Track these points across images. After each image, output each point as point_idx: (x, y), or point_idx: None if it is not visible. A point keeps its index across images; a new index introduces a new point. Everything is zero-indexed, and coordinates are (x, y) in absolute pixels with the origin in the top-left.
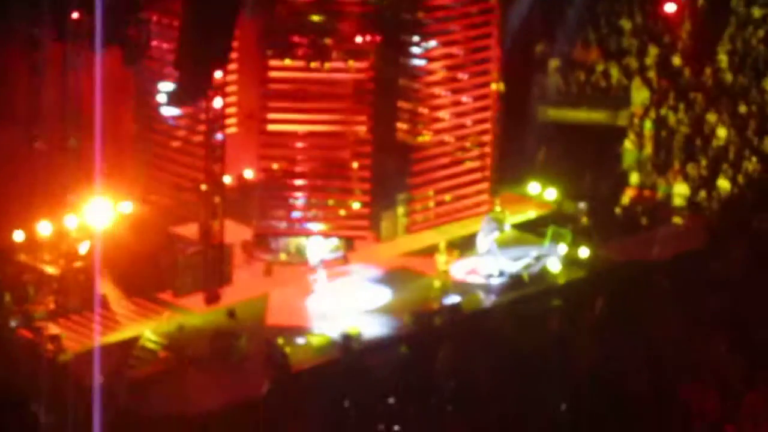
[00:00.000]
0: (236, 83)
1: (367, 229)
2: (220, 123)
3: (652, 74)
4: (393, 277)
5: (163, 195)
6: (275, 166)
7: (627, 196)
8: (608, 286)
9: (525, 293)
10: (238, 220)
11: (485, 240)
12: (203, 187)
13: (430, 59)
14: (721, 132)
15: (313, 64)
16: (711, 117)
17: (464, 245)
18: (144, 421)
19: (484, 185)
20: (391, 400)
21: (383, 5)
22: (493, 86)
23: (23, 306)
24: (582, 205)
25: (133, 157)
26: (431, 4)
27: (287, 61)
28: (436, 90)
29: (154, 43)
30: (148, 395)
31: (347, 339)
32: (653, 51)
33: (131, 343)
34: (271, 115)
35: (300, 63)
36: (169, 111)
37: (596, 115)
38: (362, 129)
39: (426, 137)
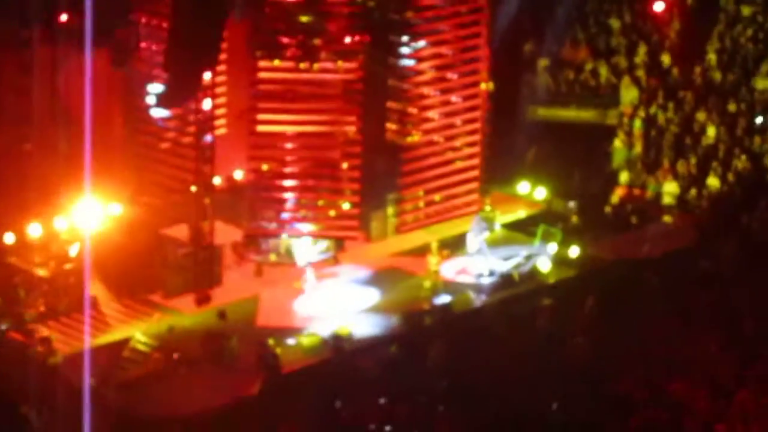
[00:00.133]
0: (225, 84)
1: (357, 230)
2: (210, 124)
3: (641, 73)
4: (383, 277)
5: (152, 196)
6: (265, 166)
7: (617, 195)
8: (598, 284)
9: (515, 293)
10: (228, 221)
11: (475, 239)
12: (193, 188)
13: (420, 59)
14: (711, 130)
15: (302, 65)
16: (700, 115)
17: (454, 245)
18: (135, 423)
19: (474, 185)
20: (382, 400)
21: (372, 5)
22: (483, 86)
23: (13, 308)
24: (572, 204)
25: (122, 159)
26: (420, 4)
27: (276, 62)
28: (426, 90)
29: (144, 44)
30: (139, 397)
31: (338, 339)
32: (642, 50)
33: (122, 345)
34: (261, 116)
35: (289, 64)
36: (158, 112)
37: (585, 114)
38: (352, 129)
39: (415, 137)
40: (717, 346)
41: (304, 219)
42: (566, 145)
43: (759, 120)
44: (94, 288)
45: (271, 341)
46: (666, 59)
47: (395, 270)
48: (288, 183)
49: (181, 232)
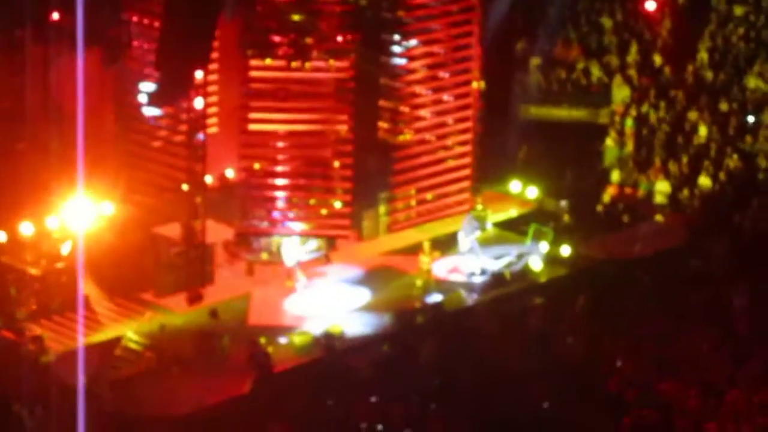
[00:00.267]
0: (217, 83)
1: (349, 228)
2: (202, 123)
3: (632, 72)
4: (375, 275)
5: (144, 195)
6: (256, 165)
7: (608, 194)
8: (590, 284)
9: (507, 291)
10: (220, 219)
11: (467, 238)
12: (185, 186)
13: (411, 58)
14: (702, 129)
15: (293, 64)
16: (692, 114)
17: (446, 244)
18: (127, 421)
19: (466, 184)
20: (374, 399)
21: (364, 4)
22: (474, 85)
23: (5, 307)
24: (563, 202)
25: (114, 158)
26: (412, 2)
27: (268, 61)
28: (417, 89)
29: (135, 43)
30: (131, 395)
31: (329, 338)
32: (634, 49)
33: (114, 344)
34: (252, 115)
35: (281, 62)
36: (150, 111)
37: (577, 113)
38: (343, 128)
39: (407, 136)
40: (708, 346)
41: (295, 218)
42: (558, 144)
43: (751, 119)
44: (86, 286)
45: (262, 340)
46: (658, 58)
47: (387, 269)
48: (279, 182)
49: (172, 230)
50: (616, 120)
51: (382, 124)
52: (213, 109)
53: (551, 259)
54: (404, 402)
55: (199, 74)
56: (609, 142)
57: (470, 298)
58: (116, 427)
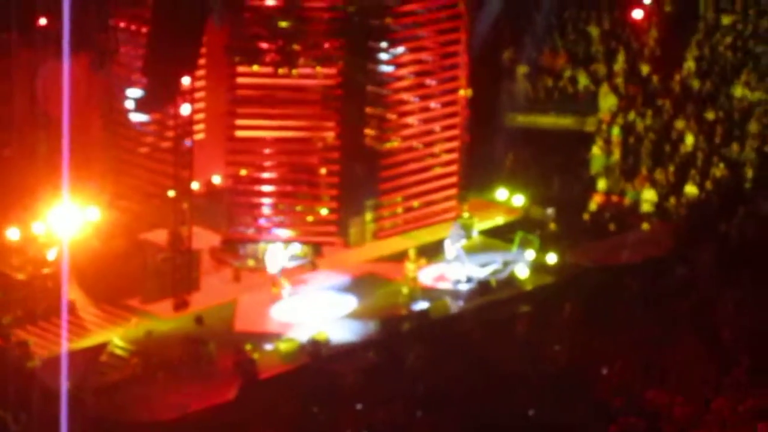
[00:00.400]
0: (204, 89)
1: (335, 235)
2: (188, 129)
3: (619, 80)
4: (361, 283)
5: (131, 201)
6: (243, 172)
7: (595, 202)
8: (576, 291)
9: (493, 299)
10: (207, 226)
11: (453, 246)
12: (171, 193)
13: (399, 65)
14: (689, 138)
15: (281, 70)
16: (679, 123)
17: (432, 251)
18: (112, 427)
19: (452, 191)
20: (360, 406)
21: (351, 11)
22: (462, 92)
23: None
24: (550, 210)
25: (101, 163)
26: (399, 10)
27: (255, 67)
28: (404, 96)
29: (122, 49)
30: (117, 401)
31: (315, 345)
32: (621, 57)
33: (99, 350)
34: (239, 121)
35: (268, 69)
36: (137, 117)
37: (564, 121)
38: (330, 135)
39: (394, 143)
40: (694, 353)
41: (282, 224)
42: (544, 152)
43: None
44: (72, 292)
45: (248, 346)
46: (645, 67)
47: (373, 276)
48: (266, 188)
49: (159, 236)
50: (603, 128)
51: (369, 131)
52: (200, 116)
53: (537, 267)
54: (390, 409)
55: (186, 80)
56: (596, 150)
57: (456, 306)
58: None
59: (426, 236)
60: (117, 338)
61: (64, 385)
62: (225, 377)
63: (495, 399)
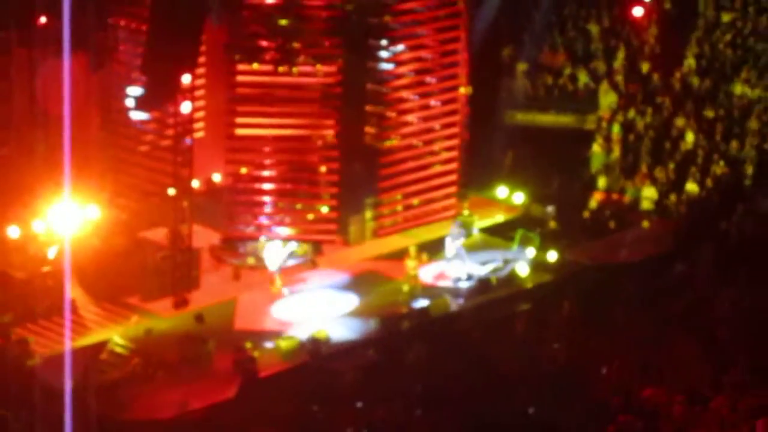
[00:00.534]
0: (204, 87)
1: (335, 233)
2: (188, 127)
3: (619, 78)
4: (361, 281)
5: (131, 199)
6: (243, 170)
7: (595, 200)
8: (576, 289)
9: (493, 297)
10: (207, 224)
11: (453, 244)
12: (171, 191)
13: (398, 63)
14: (689, 136)
15: (280, 68)
16: (679, 121)
17: (432, 249)
18: (113, 426)
19: (452, 189)
20: (360, 404)
21: (350, 9)
22: (461, 90)
23: None
24: (550, 208)
25: (100, 162)
26: (399, 8)
27: (255, 65)
28: (404, 94)
29: (122, 47)
30: (117, 399)
31: (315, 343)
32: (621, 55)
33: (100, 348)
34: (239, 119)
35: (267, 67)
36: (136, 115)
37: (564, 119)
38: (330, 133)
39: (394, 141)
40: (693, 352)
41: (282, 222)
42: (544, 150)
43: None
44: (72, 290)
45: (248, 345)
46: (644, 65)
47: (373, 274)
48: (266, 186)
49: (159, 235)
50: (603, 126)
51: (369, 130)
52: (200, 114)
53: (537, 265)
54: (390, 407)
55: (185, 79)
56: (596, 148)
57: (456, 304)
58: (101, 431)
59: (426, 234)
60: (117, 336)
61: (65, 384)
62: (225, 375)
63: (494, 397)
